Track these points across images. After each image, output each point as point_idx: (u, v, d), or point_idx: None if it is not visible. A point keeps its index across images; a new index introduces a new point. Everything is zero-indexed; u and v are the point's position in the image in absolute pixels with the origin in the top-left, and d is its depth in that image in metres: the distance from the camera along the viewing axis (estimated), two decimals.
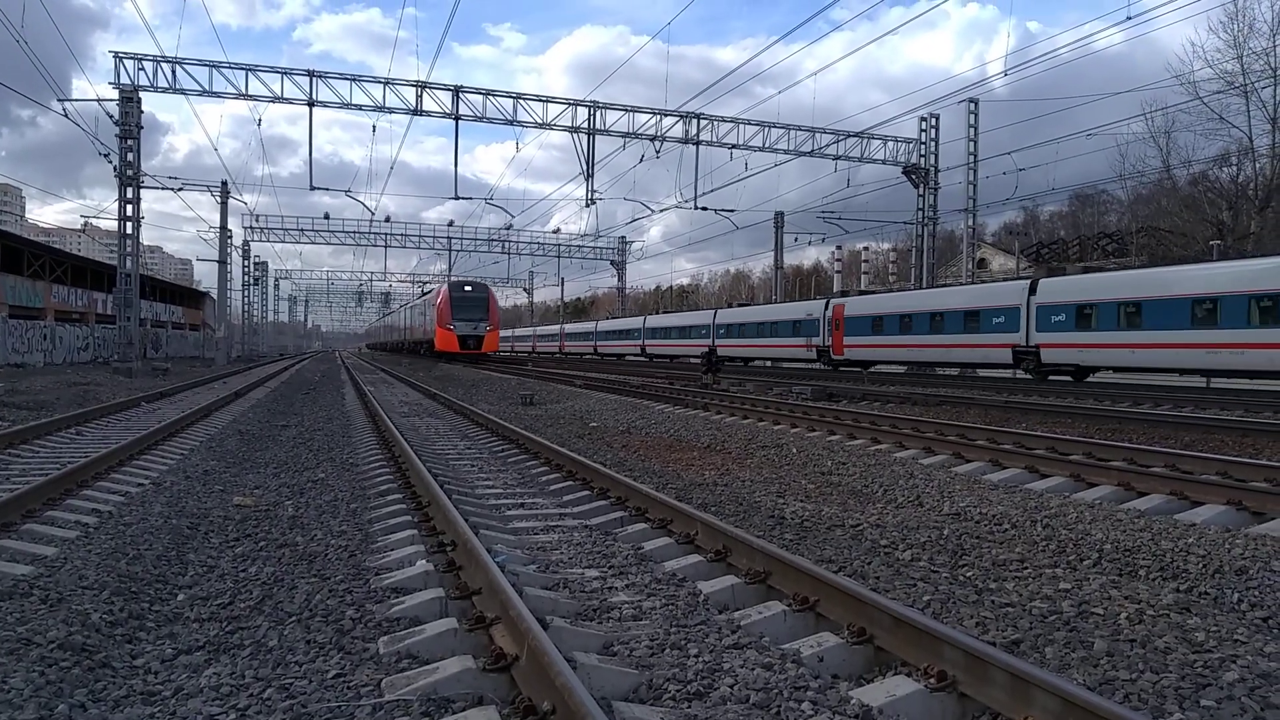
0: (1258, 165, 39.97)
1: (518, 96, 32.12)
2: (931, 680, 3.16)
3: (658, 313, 66.12)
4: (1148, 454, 8.72)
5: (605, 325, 65.29)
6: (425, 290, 62.00)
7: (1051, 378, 24.98)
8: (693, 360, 45.09)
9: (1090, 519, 6.17)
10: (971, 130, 35.93)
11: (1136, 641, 3.81)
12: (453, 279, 52.17)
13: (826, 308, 36.25)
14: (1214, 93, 37.56)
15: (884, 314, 32.69)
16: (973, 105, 35.66)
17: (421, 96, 30.68)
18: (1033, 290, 25.96)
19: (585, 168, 32.55)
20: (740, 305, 54.75)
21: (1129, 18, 25.83)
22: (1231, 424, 12.16)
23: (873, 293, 39.79)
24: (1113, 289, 23.84)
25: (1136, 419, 13.28)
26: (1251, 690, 3.27)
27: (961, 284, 34.57)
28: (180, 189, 36.81)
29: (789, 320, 39.28)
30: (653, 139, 33.34)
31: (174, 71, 29.16)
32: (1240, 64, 37.41)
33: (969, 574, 5.00)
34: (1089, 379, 24.69)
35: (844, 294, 39.62)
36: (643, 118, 33.20)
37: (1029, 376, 25.63)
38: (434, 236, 60.83)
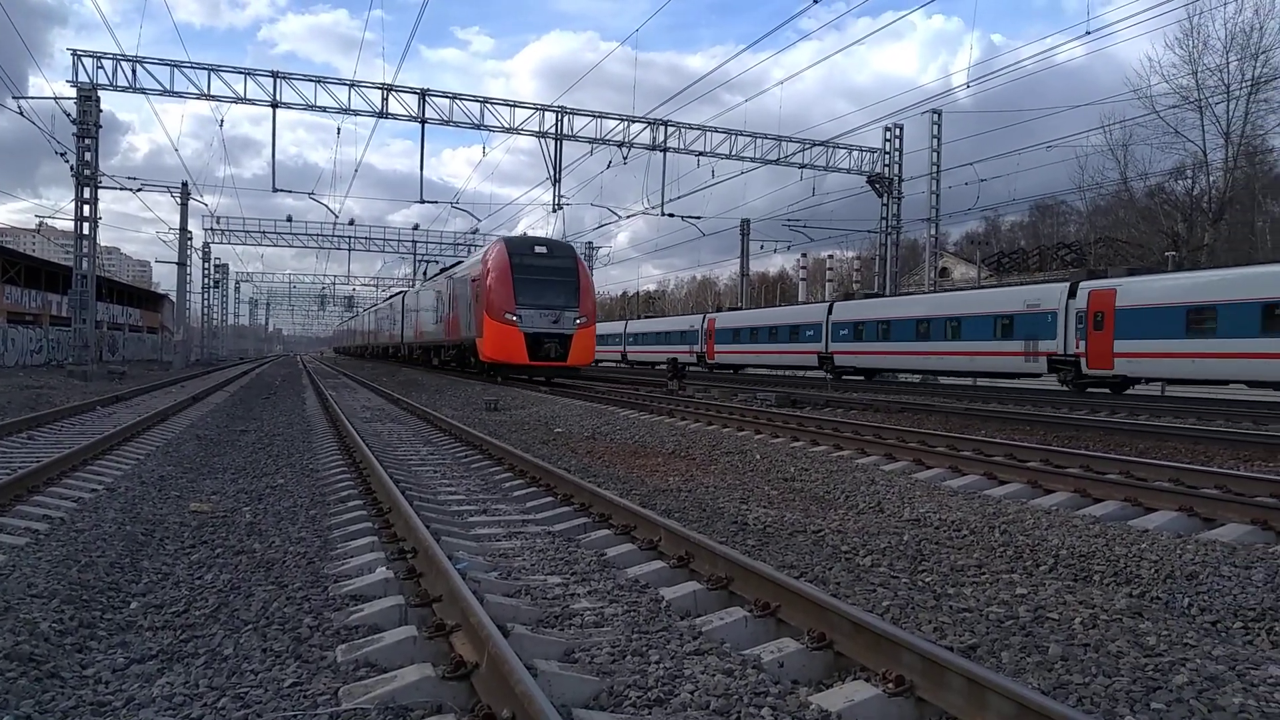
0: (1211, 179, 41.04)
1: (485, 100, 31.91)
2: (890, 685, 3.18)
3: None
4: (1103, 461, 8.87)
5: None
6: (443, 265, 44.21)
7: (845, 377, 31.77)
8: (610, 364, 53.92)
9: (1047, 525, 6.26)
10: (935, 141, 36.42)
11: (1090, 646, 3.87)
12: (509, 235, 32.51)
13: (703, 321, 43.35)
14: (1170, 107, 38.56)
15: (739, 327, 40.33)
16: (936, 116, 36.19)
17: (387, 99, 30.35)
18: (830, 311, 33.38)
19: (553, 173, 32.46)
20: (646, 317, 64.59)
21: (1089, 32, 26.70)
22: (1184, 431, 12.44)
23: (736, 310, 47.35)
24: (874, 311, 31.05)
25: (1093, 426, 13.54)
26: (1200, 693, 3.34)
27: (791, 305, 44.04)
28: (139, 189, 36.06)
29: (678, 330, 46.86)
30: (620, 145, 33.31)
31: (134, 70, 28.57)
32: (1195, 79, 38.50)
33: (928, 579, 5.06)
34: (875, 379, 31.40)
35: (718, 309, 46.91)
36: (610, 123, 33.13)
37: (829, 376, 32.17)
38: (399, 240, 59.94)
